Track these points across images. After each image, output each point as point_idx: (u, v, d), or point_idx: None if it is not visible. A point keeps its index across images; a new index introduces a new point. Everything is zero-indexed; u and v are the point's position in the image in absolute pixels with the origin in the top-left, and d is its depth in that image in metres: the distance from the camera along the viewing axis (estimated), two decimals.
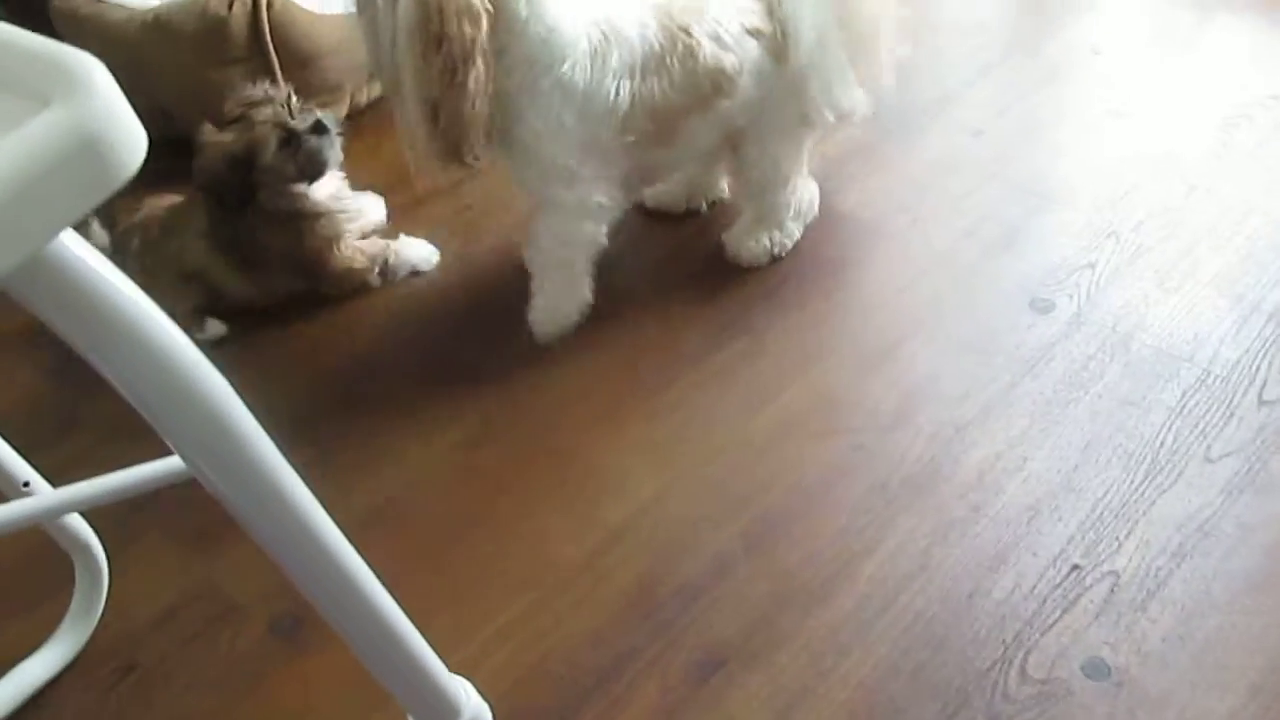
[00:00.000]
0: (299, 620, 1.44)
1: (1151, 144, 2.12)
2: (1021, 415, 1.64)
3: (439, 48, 1.43)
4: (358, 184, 2.10)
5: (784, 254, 1.90)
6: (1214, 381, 1.65)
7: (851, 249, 1.93)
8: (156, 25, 2.10)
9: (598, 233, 1.72)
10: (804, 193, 1.88)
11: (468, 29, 1.43)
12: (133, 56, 2.13)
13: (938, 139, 2.18)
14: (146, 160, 0.58)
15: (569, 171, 1.62)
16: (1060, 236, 1.93)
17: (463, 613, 1.43)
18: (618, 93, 1.57)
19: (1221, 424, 1.60)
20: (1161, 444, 1.58)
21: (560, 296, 1.78)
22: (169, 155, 2.16)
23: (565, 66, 1.54)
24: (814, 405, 1.67)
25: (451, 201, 2.10)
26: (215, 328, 1.84)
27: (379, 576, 1.44)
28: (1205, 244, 1.88)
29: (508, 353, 1.79)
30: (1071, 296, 1.81)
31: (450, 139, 1.52)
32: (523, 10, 1.50)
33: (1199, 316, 1.76)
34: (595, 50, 1.55)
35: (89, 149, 0.54)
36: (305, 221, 1.83)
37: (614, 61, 1.56)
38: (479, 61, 1.45)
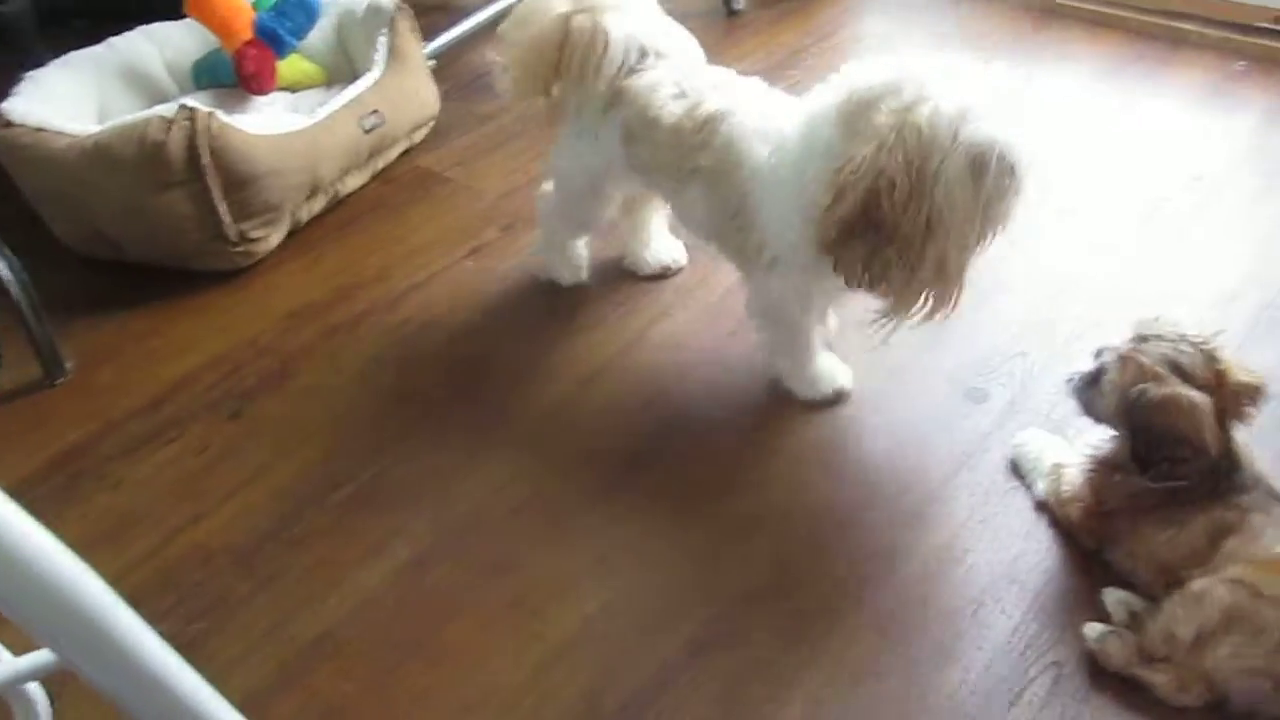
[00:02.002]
0: None
1: (1085, 236, 2.17)
2: (961, 507, 1.65)
3: None
4: (297, 303, 2.13)
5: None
6: None
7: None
8: (96, 152, 2.11)
9: None
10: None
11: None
12: (75, 182, 2.15)
13: None
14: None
15: None
16: (992, 326, 1.95)
17: None
18: None
19: None
20: None
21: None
22: (112, 279, 2.21)
23: None
24: (754, 505, 1.68)
25: (389, 319, 2.12)
26: None
27: (323, 706, 1.45)
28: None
29: (447, 469, 1.79)
30: (1005, 385, 1.83)
31: None
32: None
33: None
34: None
35: None
36: None
37: None
38: None
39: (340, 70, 2.62)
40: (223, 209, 2.13)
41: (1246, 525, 1.38)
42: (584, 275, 2.14)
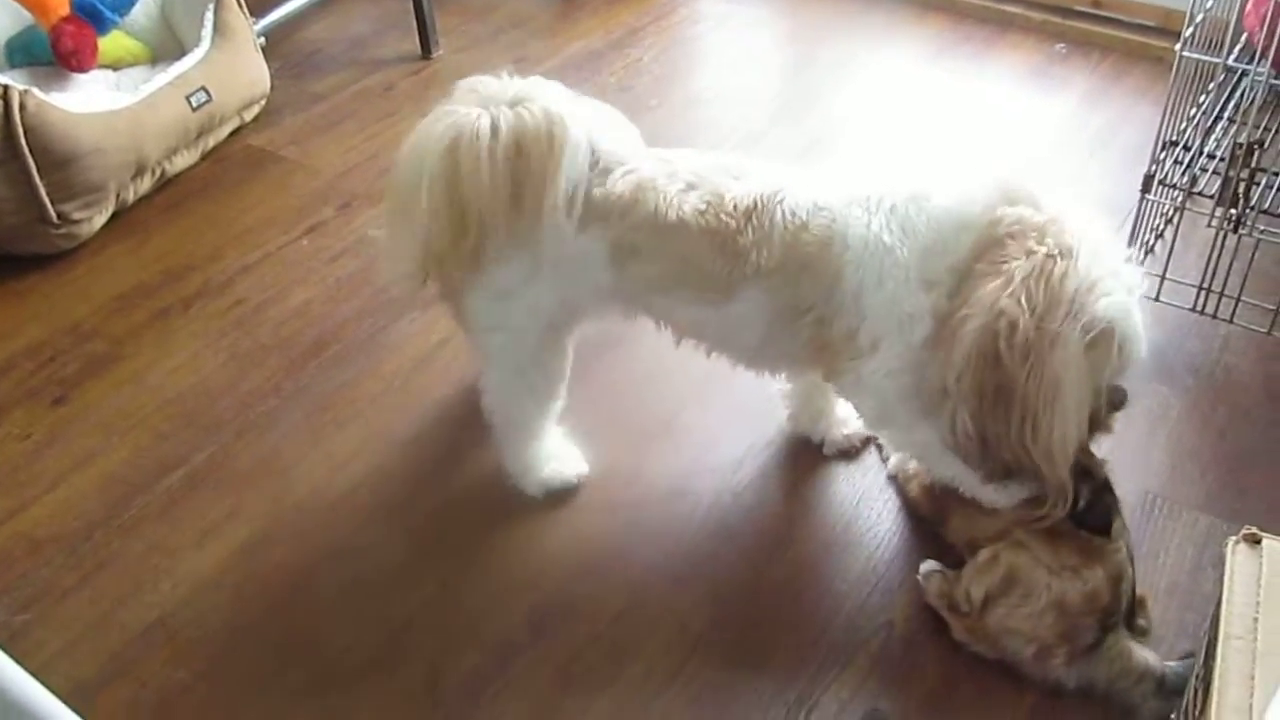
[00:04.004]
0: None
1: None
2: (796, 476, 1.69)
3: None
4: (124, 285, 2.07)
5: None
6: None
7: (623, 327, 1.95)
8: None
9: None
10: None
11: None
12: None
13: None
14: None
15: None
16: None
17: None
18: None
19: None
20: None
21: None
22: None
23: None
24: (596, 480, 1.69)
25: (221, 300, 2.07)
26: None
27: (156, 695, 1.42)
28: None
29: (285, 449, 1.76)
30: None
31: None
32: None
33: None
34: None
35: None
36: None
37: None
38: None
39: (166, 48, 2.55)
40: (42, 190, 2.06)
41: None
42: (584, 465, 1.72)
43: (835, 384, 1.52)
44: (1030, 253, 1.28)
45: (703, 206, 1.42)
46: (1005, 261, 1.29)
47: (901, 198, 1.39)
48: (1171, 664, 1.35)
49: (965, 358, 1.29)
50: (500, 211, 1.41)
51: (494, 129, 1.38)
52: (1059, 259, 1.27)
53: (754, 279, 1.42)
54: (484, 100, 1.41)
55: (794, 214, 1.40)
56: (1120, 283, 1.29)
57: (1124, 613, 1.37)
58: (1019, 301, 1.26)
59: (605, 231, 1.44)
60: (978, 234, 1.34)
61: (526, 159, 1.39)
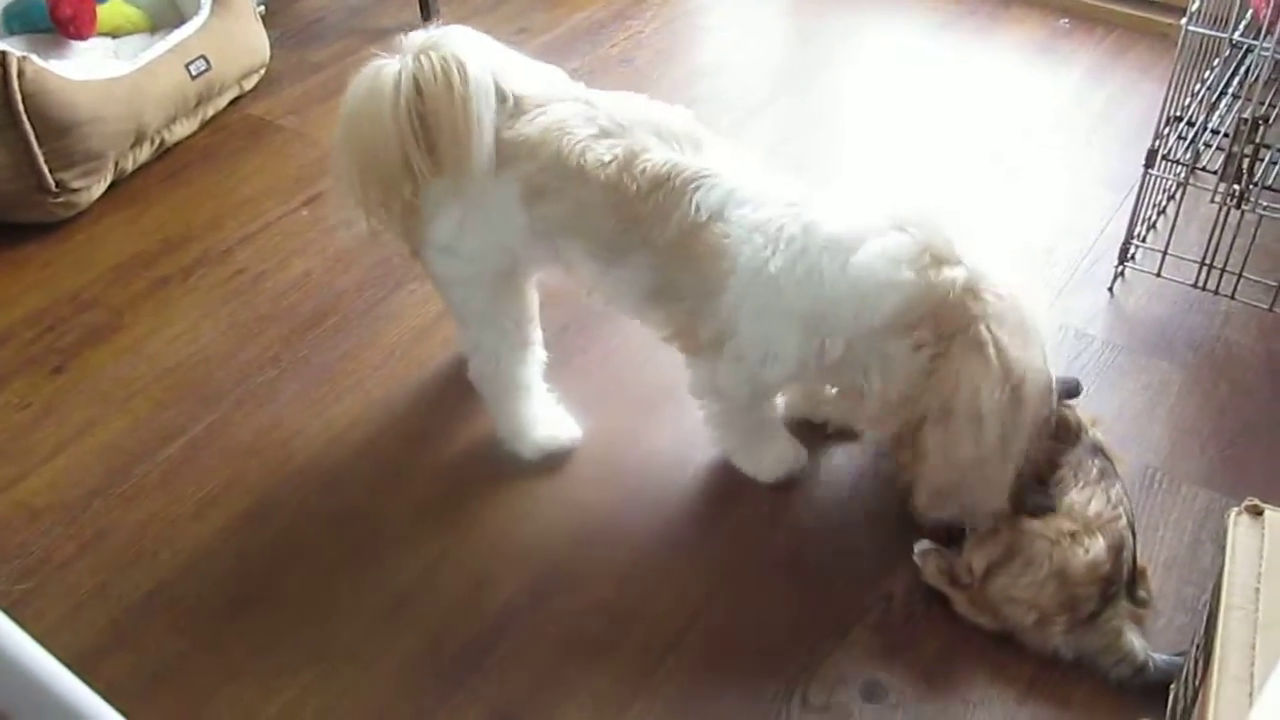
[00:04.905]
0: None
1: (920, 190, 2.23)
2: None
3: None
4: (123, 254, 2.07)
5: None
6: None
7: None
8: None
9: None
10: None
11: None
12: None
13: None
14: None
15: None
16: None
17: (243, 691, 1.40)
18: None
19: None
20: None
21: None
22: None
23: None
24: (595, 449, 1.69)
25: (220, 270, 2.06)
26: None
27: (156, 662, 1.42)
28: None
29: (284, 419, 1.76)
30: None
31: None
32: None
33: None
34: None
35: None
36: None
37: None
38: None
39: (165, 16, 2.53)
40: (40, 158, 2.05)
41: None
42: (577, 429, 1.70)
43: (688, 356, 1.53)
44: (966, 329, 1.31)
45: (607, 159, 1.39)
46: (949, 340, 1.32)
47: (817, 243, 1.36)
48: (1158, 656, 1.36)
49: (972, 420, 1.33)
50: (417, 162, 1.41)
51: (396, 81, 1.38)
52: (996, 330, 1.30)
53: (643, 249, 1.41)
54: (403, 52, 1.41)
55: (698, 209, 1.38)
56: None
57: (1125, 583, 1.37)
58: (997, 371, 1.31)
59: (517, 173, 1.43)
60: (899, 303, 1.32)
61: (433, 107, 1.38)
